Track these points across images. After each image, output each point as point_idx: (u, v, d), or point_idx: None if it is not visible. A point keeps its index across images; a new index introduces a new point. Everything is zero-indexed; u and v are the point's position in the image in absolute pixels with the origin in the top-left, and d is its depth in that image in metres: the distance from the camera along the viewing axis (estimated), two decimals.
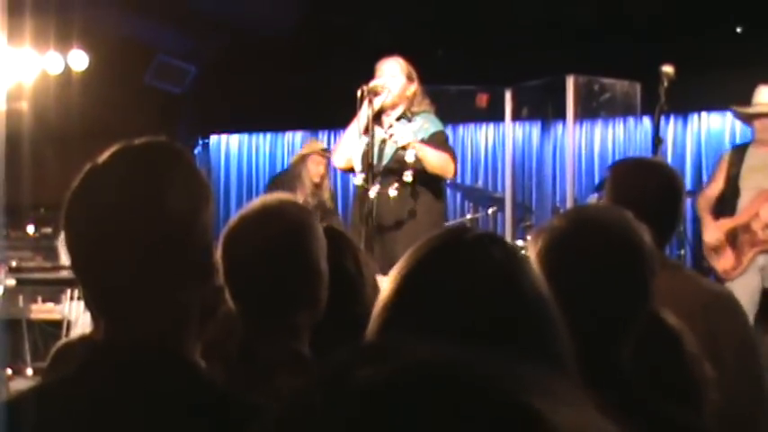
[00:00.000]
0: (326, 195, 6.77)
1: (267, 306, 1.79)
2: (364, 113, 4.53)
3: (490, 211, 7.32)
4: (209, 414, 1.33)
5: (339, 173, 6.87)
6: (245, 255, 1.80)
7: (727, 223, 5.22)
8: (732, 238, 5.21)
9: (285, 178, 7.02)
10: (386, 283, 1.22)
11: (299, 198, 6.74)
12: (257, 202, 1.87)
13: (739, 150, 5.42)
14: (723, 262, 5.18)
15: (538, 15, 7.43)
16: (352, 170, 4.74)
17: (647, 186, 2.57)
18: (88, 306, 1.43)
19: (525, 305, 1.18)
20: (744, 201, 5.22)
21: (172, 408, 1.31)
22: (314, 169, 6.73)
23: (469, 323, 1.14)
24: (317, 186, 6.73)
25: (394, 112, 4.69)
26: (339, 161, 4.84)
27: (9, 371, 6.24)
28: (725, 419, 1.89)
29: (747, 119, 5.49)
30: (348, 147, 4.72)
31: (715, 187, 5.32)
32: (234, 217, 1.85)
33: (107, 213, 1.36)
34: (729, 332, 2.37)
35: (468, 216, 7.66)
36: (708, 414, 1.78)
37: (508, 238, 6.68)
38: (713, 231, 5.22)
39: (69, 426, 1.32)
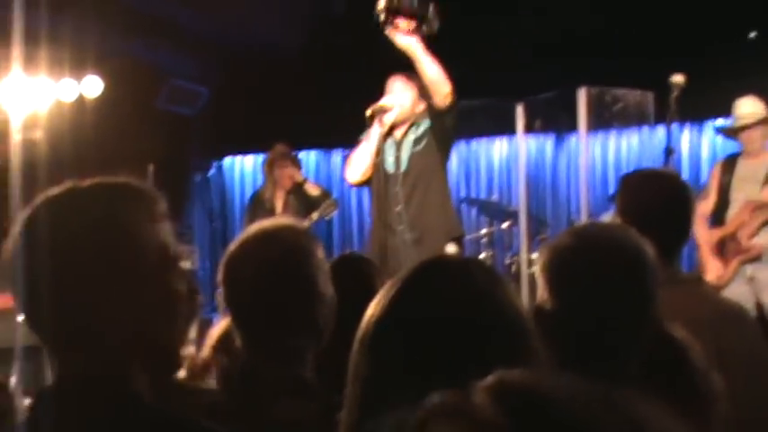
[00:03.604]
0: (316, 192, 6.82)
1: (267, 330, 1.79)
2: (375, 132, 4.55)
3: (505, 224, 7.31)
4: None
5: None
6: (244, 279, 1.81)
7: (715, 234, 5.21)
8: (720, 248, 5.20)
9: (260, 191, 7.15)
10: (371, 307, 1.22)
11: (279, 198, 6.89)
12: (256, 226, 1.88)
13: (730, 161, 5.41)
14: (712, 272, 5.16)
15: (548, 27, 7.42)
16: (366, 184, 4.76)
17: (655, 198, 2.57)
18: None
19: (505, 325, 1.18)
20: (733, 211, 5.22)
21: None
22: (278, 173, 6.89)
23: (450, 346, 1.14)
24: (298, 186, 6.81)
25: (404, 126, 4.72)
26: (353, 177, 4.84)
27: (27, 401, 6.24)
28: None
29: (732, 133, 5.47)
30: (360, 163, 4.73)
31: (707, 203, 5.28)
32: (233, 242, 1.86)
33: (53, 247, 1.35)
34: (739, 345, 2.35)
35: (484, 230, 7.65)
36: (717, 427, 1.76)
37: (523, 252, 6.66)
38: (714, 269, 5.18)
39: None
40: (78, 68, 7.44)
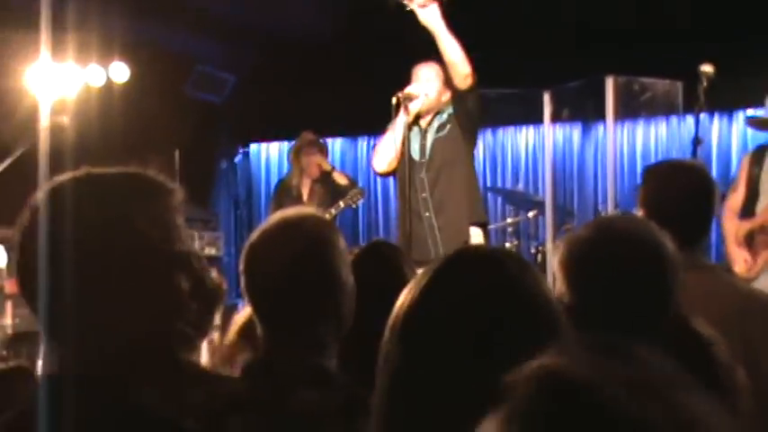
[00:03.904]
0: (343, 181, 6.81)
1: (288, 320, 1.79)
2: (401, 121, 4.55)
3: (531, 214, 7.28)
4: None
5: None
6: (265, 269, 1.81)
7: (744, 226, 5.15)
8: (749, 240, 5.14)
9: (287, 178, 7.16)
10: (402, 296, 1.22)
11: (305, 185, 6.91)
12: (277, 215, 1.87)
13: (759, 153, 5.32)
14: (739, 263, 5.10)
15: (575, 16, 7.37)
16: (392, 174, 4.76)
17: (680, 189, 2.57)
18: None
19: (535, 314, 1.18)
20: (763, 203, 5.15)
21: None
22: (307, 161, 6.85)
23: (481, 335, 1.14)
24: (326, 174, 6.81)
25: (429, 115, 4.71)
26: (380, 166, 4.83)
27: None
28: (760, 427, 1.86)
29: (763, 125, 5.38)
30: (387, 153, 4.73)
31: (737, 196, 5.21)
32: (254, 232, 1.86)
33: (63, 237, 1.35)
34: (765, 334, 2.33)
35: (509, 220, 7.63)
36: (741, 423, 1.74)
37: (549, 242, 6.63)
38: (740, 261, 5.12)
39: None
40: (106, 55, 7.46)
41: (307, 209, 1.94)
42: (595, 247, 1.77)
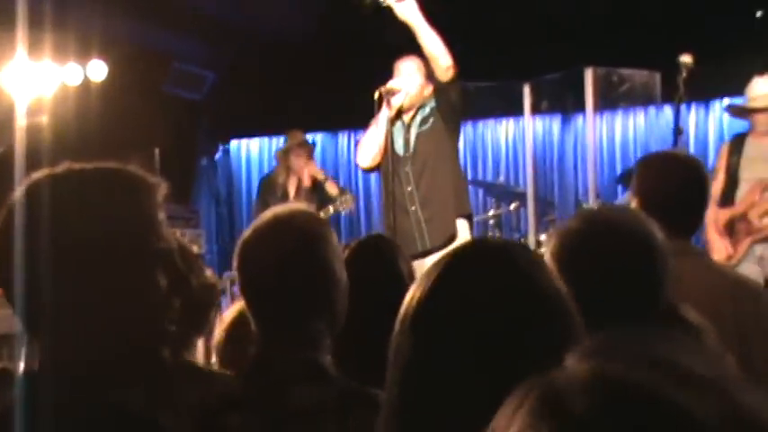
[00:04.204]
0: (334, 191, 6.78)
1: (282, 316, 1.80)
2: (384, 115, 4.56)
3: (512, 206, 7.30)
4: None
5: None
6: (258, 266, 1.81)
7: (724, 214, 5.20)
8: (730, 229, 5.19)
9: (272, 175, 7.15)
10: (412, 289, 1.22)
11: (291, 184, 6.89)
12: (269, 213, 1.88)
13: (737, 141, 5.38)
14: (719, 252, 5.15)
15: (554, 8, 7.39)
16: (377, 169, 4.77)
17: (676, 180, 2.61)
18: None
19: (546, 307, 1.18)
20: (742, 191, 5.20)
21: None
22: (295, 162, 6.84)
23: (488, 332, 1.14)
24: (318, 184, 6.81)
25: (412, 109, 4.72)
26: (364, 162, 4.83)
27: None
28: None
29: (744, 113, 5.43)
30: (371, 148, 4.73)
31: (716, 184, 5.25)
32: (247, 229, 1.86)
33: (41, 233, 1.34)
34: (758, 319, 2.36)
35: (491, 212, 7.64)
36: None
37: (531, 233, 6.66)
38: (721, 248, 5.18)
39: None
40: (83, 53, 7.42)
41: (298, 205, 1.94)
42: (585, 238, 1.78)
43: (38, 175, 1.41)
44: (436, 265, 1.21)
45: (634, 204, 2.58)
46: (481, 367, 1.08)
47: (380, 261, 2.21)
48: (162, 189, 1.45)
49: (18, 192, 1.39)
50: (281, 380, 1.72)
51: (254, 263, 1.81)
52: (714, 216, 5.20)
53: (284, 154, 7.06)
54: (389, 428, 1.15)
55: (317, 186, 6.88)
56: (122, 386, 1.37)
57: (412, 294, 1.19)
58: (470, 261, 1.22)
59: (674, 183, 2.60)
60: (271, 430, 1.52)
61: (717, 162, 5.51)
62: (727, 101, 8.08)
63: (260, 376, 1.75)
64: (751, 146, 5.27)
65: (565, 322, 1.18)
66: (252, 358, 1.79)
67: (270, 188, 7.06)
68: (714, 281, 2.39)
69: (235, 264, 1.82)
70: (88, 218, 1.36)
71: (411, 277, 2.05)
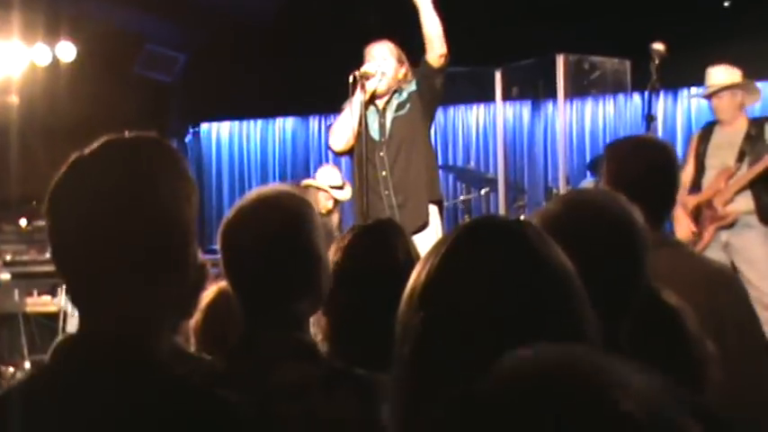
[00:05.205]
0: (335, 223, 6.65)
1: (267, 296, 1.80)
2: (357, 99, 4.54)
3: (483, 191, 7.33)
4: (174, 410, 1.32)
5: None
6: (243, 246, 1.81)
7: (691, 200, 5.28)
8: (696, 215, 5.27)
9: None
10: (416, 269, 1.21)
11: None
12: (253, 193, 1.87)
13: (707, 130, 5.49)
14: (682, 228, 5.23)
15: None
16: (349, 153, 4.76)
17: (645, 165, 2.59)
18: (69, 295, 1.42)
19: (554, 286, 1.18)
20: (708, 178, 5.29)
21: (137, 405, 1.31)
22: (322, 201, 6.63)
23: (500, 308, 1.14)
24: (327, 213, 6.65)
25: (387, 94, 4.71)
26: (337, 145, 4.81)
27: (10, 369, 6.26)
28: (727, 397, 1.90)
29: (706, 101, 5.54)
30: (344, 132, 4.71)
31: (686, 173, 5.32)
32: (231, 208, 1.86)
33: (91, 204, 1.36)
34: (732, 308, 2.38)
35: (461, 197, 7.67)
36: (710, 392, 1.79)
37: None
38: (684, 226, 5.25)
39: (39, 424, 1.32)
40: (52, 33, 7.34)
41: (282, 185, 1.94)
42: (565, 220, 1.79)
43: (85, 149, 1.42)
44: (442, 241, 1.21)
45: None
46: (492, 343, 1.08)
47: (381, 247, 2.19)
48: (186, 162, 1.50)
49: (67, 165, 1.41)
50: (267, 358, 1.72)
51: (238, 243, 1.81)
52: (684, 200, 5.27)
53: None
54: (399, 406, 1.14)
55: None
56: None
57: (418, 271, 1.18)
58: (483, 236, 1.21)
59: (644, 168, 2.57)
60: (257, 408, 1.53)
61: (687, 151, 5.59)
62: (695, 90, 8.17)
63: (246, 355, 1.75)
64: (718, 134, 5.37)
65: (575, 301, 1.18)
66: (237, 338, 1.79)
67: None
68: (689, 271, 2.40)
69: (218, 243, 1.81)
70: (135, 189, 1.38)
71: (410, 259, 2.05)
